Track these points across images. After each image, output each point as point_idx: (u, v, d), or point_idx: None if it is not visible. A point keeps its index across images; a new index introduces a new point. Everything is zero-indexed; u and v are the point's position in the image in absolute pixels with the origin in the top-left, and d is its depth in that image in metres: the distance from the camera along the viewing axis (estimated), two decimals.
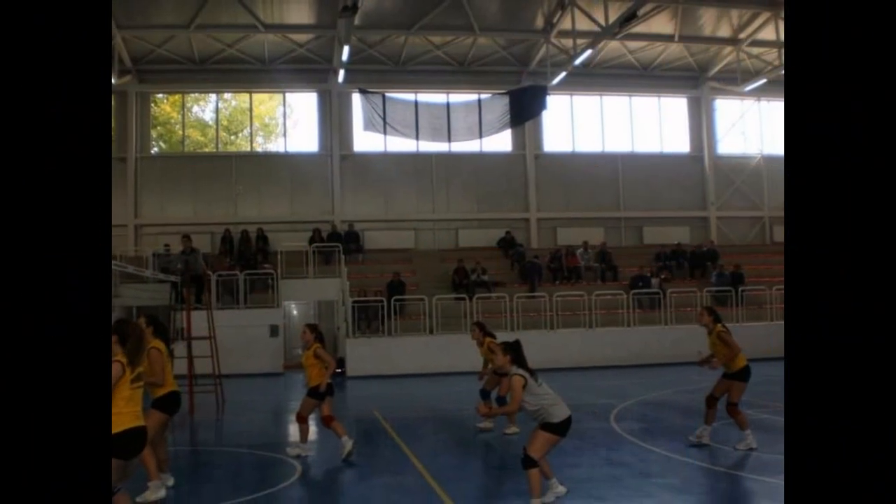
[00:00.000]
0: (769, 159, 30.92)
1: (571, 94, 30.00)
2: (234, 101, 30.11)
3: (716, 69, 30.00)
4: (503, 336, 10.51)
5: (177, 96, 29.32)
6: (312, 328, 10.52)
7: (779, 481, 8.26)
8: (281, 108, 29.75)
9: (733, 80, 28.80)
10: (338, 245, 25.66)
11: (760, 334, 21.80)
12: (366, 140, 28.65)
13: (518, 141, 29.72)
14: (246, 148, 29.50)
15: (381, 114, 27.22)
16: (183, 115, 29.39)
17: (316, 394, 10.31)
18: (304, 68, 28.13)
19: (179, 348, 14.99)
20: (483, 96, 28.25)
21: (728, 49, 28.96)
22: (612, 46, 28.16)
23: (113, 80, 24.56)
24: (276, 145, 29.86)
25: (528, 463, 7.25)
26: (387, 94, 27.57)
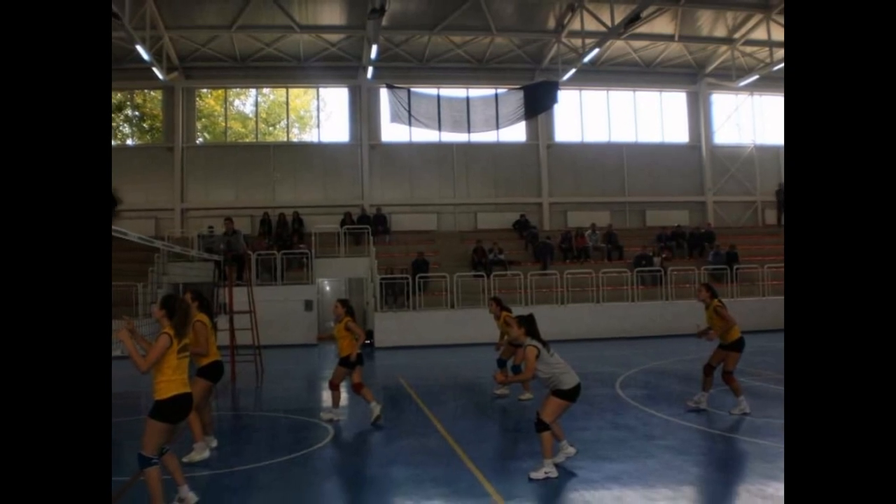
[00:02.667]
0: (761, 148, 30.72)
1: (580, 89, 29.80)
2: (272, 95, 30.08)
3: (712, 66, 29.65)
4: (518, 310, 10.45)
5: (220, 91, 29.32)
6: (344, 303, 10.50)
7: (769, 443, 8.23)
8: (315, 102, 29.69)
9: (728, 76, 28.50)
10: (367, 227, 25.66)
11: (753, 308, 21.88)
12: (392, 131, 28.59)
13: (532, 132, 29.57)
14: (283, 138, 29.42)
15: (407, 107, 27.11)
16: (225, 109, 29.42)
17: (347, 363, 10.31)
18: (336, 65, 28.02)
19: (222, 321, 14.98)
20: (500, 91, 28.04)
21: (724, 48, 28.61)
22: (618, 45, 27.89)
23: (161, 77, 24.67)
24: (310, 136, 29.78)
25: (541, 426, 7.22)
26: (412, 89, 27.42)
